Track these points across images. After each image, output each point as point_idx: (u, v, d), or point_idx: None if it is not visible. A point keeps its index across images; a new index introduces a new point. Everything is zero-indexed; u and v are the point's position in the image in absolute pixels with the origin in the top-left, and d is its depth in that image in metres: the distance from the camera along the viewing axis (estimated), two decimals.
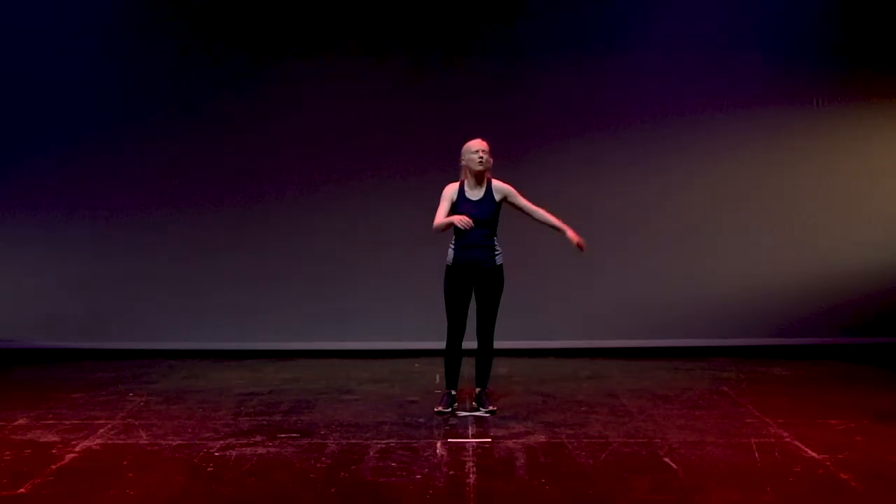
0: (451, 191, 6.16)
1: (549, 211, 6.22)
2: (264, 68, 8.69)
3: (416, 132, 8.57)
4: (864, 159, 8.64)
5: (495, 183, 6.15)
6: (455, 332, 6.20)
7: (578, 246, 6.13)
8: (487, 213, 6.07)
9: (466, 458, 5.22)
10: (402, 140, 8.63)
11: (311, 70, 8.70)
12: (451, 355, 6.27)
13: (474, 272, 6.12)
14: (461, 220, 5.95)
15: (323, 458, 5.21)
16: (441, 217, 6.10)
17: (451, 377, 6.31)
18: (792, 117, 8.63)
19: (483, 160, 6.06)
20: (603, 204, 8.62)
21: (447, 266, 6.18)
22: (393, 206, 8.50)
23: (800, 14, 8.59)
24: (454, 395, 6.32)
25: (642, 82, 8.62)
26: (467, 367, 6.44)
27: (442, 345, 6.30)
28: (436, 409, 6.27)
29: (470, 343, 6.30)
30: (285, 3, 8.68)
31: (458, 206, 6.10)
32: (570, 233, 6.13)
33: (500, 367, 7.65)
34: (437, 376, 7.49)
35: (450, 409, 6.24)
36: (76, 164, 8.69)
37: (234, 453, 5.33)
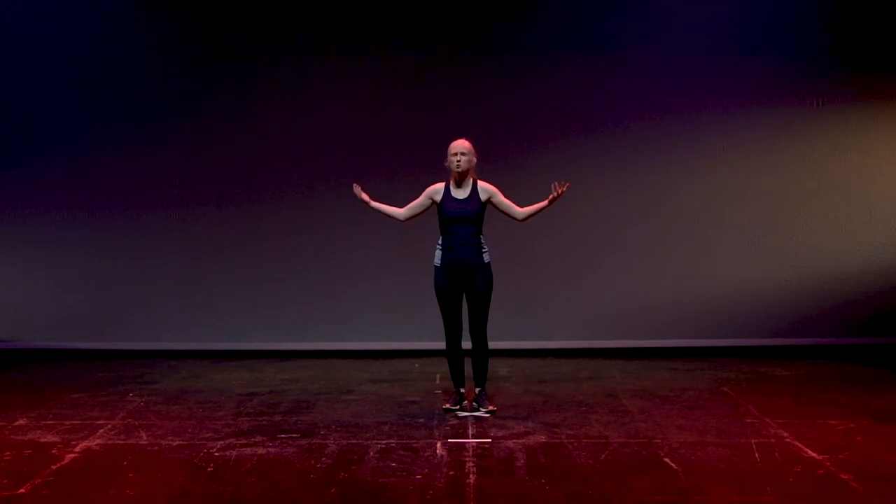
0: (434, 189, 6.23)
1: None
2: (264, 68, 8.70)
3: (416, 131, 8.57)
4: (864, 159, 8.64)
5: (481, 184, 6.21)
6: (452, 332, 6.25)
7: (558, 193, 6.04)
8: (473, 212, 6.12)
9: (466, 459, 5.22)
10: (403, 139, 8.63)
11: (311, 70, 8.71)
12: (453, 354, 6.32)
13: (462, 271, 6.15)
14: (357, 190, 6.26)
15: (323, 459, 5.21)
16: (407, 206, 6.29)
17: (457, 376, 6.37)
18: (792, 117, 8.63)
19: (460, 163, 6.11)
20: (603, 204, 8.63)
21: (435, 267, 6.22)
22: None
23: (800, 14, 8.59)
24: (463, 393, 6.37)
25: (642, 82, 8.63)
26: (469, 366, 6.43)
27: (441, 345, 6.31)
28: (444, 407, 6.34)
29: (466, 343, 6.31)
30: (285, 2, 8.68)
31: (444, 204, 6.16)
32: (552, 196, 6.08)
33: (500, 367, 7.65)
34: (438, 376, 7.50)
35: (458, 406, 6.29)
36: (76, 164, 8.70)
37: (234, 453, 5.33)
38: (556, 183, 6.06)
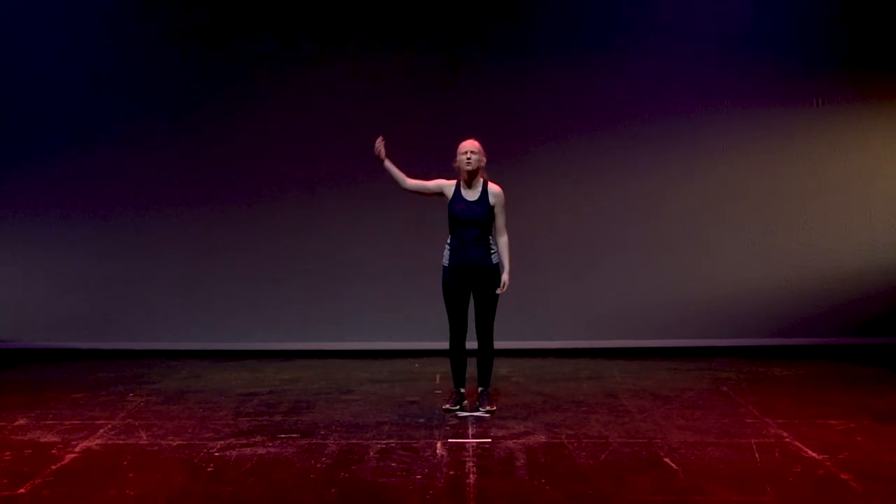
0: (446, 183, 6.22)
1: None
2: (264, 68, 8.68)
3: (416, 132, 8.55)
4: (864, 159, 8.63)
5: (492, 187, 6.19)
6: (457, 332, 6.26)
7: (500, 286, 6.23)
8: (481, 214, 6.12)
9: (466, 459, 5.22)
10: (402, 140, 8.56)
11: (311, 70, 8.71)
12: (456, 354, 6.32)
13: (470, 272, 6.15)
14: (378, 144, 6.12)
15: (323, 459, 5.21)
16: (417, 180, 6.23)
17: (458, 376, 6.37)
18: (792, 117, 8.62)
19: (471, 161, 6.11)
20: (602, 204, 8.63)
21: (443, 267, 6.22)
22: (393, 206, 8.49)
23: (800, 14, 8.59)
24: (463, 394, 6.37)
25: (642, 82, 8.62)
26: (472, 367, 6.43)
27: (443, 344, 6.32)
28: (443, 407, 6.34)
29: (470, 343, 6.30)
30: (285, 3, 8.68)
31: (452, 204, 6.15)
32: (504, 276, 6.20)
33: (500, 367, 7.64)
34: (438, 376, 7.51)
35: (458, 406, 6.29)
36: (76, 164, 8.69)
37: (234, 453, 5.33)
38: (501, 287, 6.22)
